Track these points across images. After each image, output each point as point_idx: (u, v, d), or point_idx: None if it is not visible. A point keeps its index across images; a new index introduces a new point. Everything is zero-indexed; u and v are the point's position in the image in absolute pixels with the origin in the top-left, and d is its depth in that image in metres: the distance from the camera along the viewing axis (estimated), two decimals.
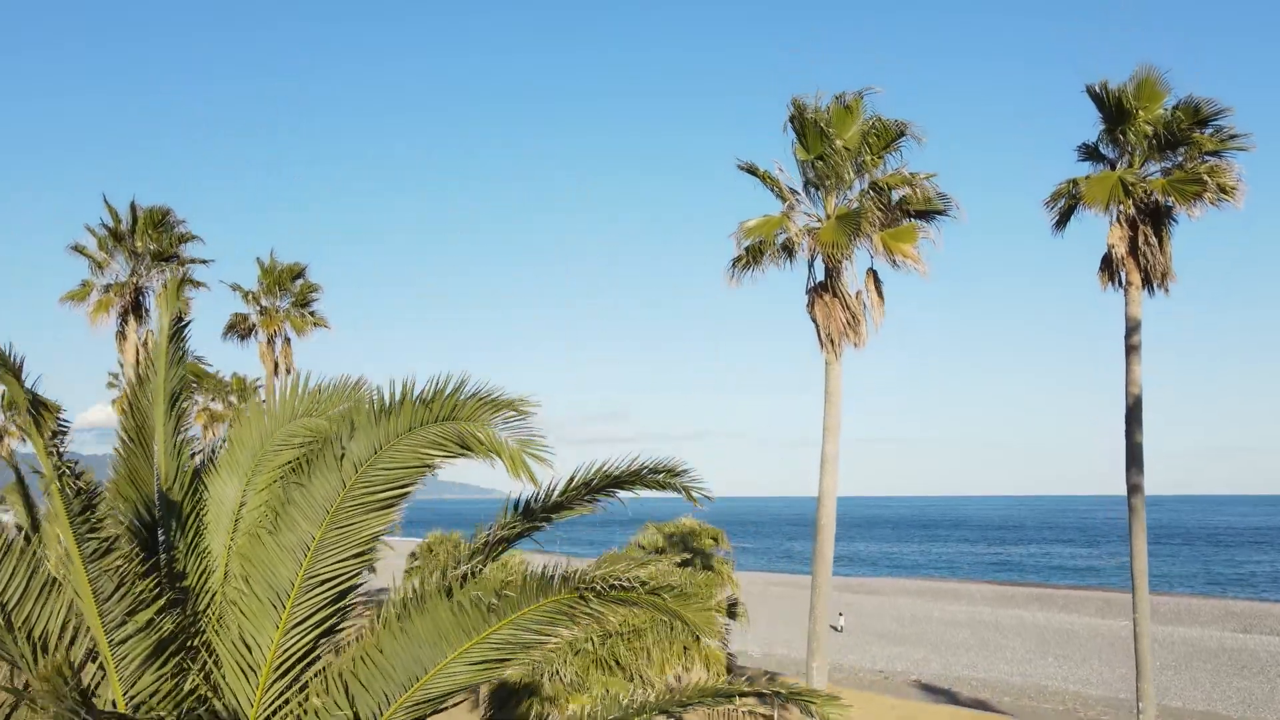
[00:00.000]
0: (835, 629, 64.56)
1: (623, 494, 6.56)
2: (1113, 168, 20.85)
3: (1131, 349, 20.15)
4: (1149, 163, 20.38)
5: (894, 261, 19.01)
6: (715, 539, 39.71)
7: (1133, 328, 20.14)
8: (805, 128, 19.03)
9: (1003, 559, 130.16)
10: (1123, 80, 20.26)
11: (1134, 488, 20.11)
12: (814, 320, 19.88)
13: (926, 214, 19.67)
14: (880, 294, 19.57)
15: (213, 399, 63.08)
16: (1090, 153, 21.23)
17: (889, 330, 19.94)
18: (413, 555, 55.80)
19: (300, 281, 41.70)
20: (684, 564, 36.85)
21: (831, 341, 19.46)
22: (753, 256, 19.74)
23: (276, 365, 41.58)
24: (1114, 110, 19.92)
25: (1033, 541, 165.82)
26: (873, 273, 19.80)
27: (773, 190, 20.22)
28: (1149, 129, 19.56)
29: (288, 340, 41.61)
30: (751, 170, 20.32)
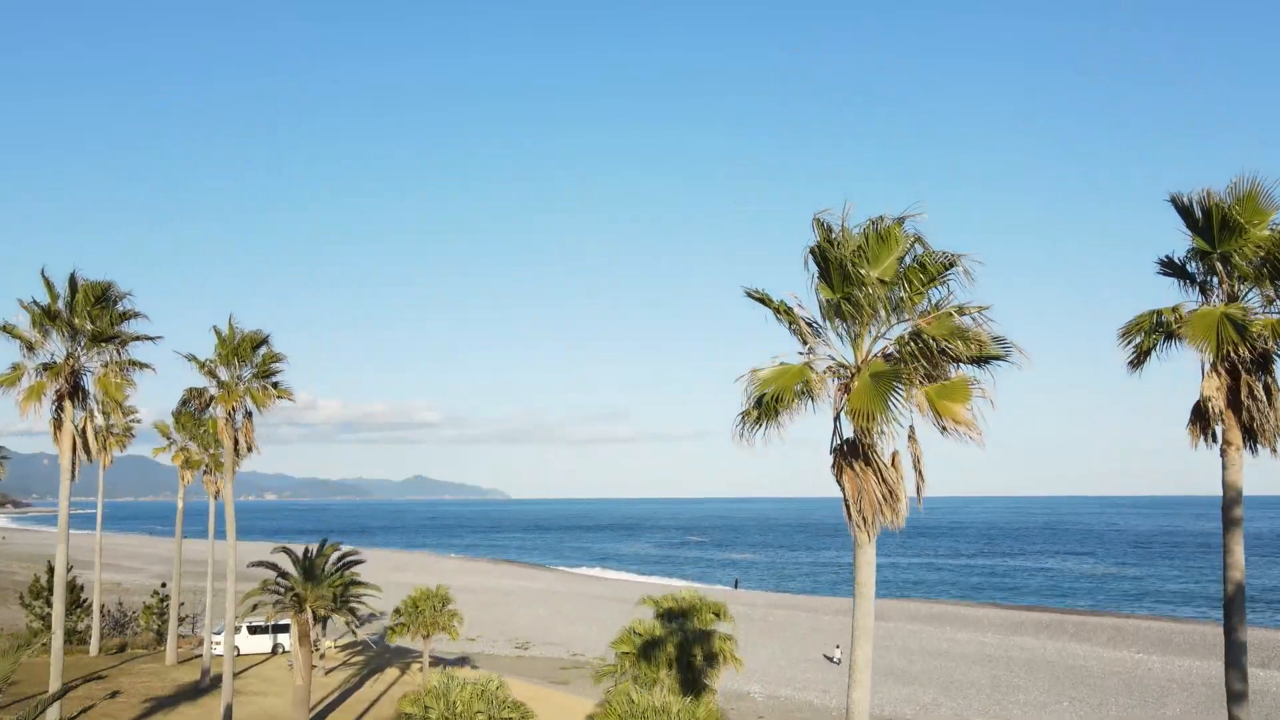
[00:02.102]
0: (832, 660, 60.87)
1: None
2: (1203, 291, 17.13)
3: (1232, 523, 16.28)
4: (1251, 292, 16.64)
5: (943, 427, 15.19)
6: (717, 614, 35.98)
7: (1233, 498, 16.24)
8: (829, 266, 15.24)
9: (1008, 574, 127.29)
10: (1210, 188, 16.55)
11: (1237, 695, 16.27)
12: (841, 488, 16.09)
13: (980, 360, 15.86)
14: (922, 465, 15.74)
15: (190, 438, 59.63)
16: (1176, 270, 17.48)
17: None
18: (397, 611, 50.82)
19: (263, 350, 37.87)
20: (682, 654, 33.22)
21: (864, 519, 15.65)
22: (767, 412, 15.89)
23: (236, 442, 37.81)
24: (1216, 227, 16.19)
25: (1036, 553, 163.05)
26: (913, 433, 15.91)
27: (789, 326, 16.38)
28: (1258, 252, 15.84)
29: (249, 414, 37.83)
30: (764, 300, 16.47)
